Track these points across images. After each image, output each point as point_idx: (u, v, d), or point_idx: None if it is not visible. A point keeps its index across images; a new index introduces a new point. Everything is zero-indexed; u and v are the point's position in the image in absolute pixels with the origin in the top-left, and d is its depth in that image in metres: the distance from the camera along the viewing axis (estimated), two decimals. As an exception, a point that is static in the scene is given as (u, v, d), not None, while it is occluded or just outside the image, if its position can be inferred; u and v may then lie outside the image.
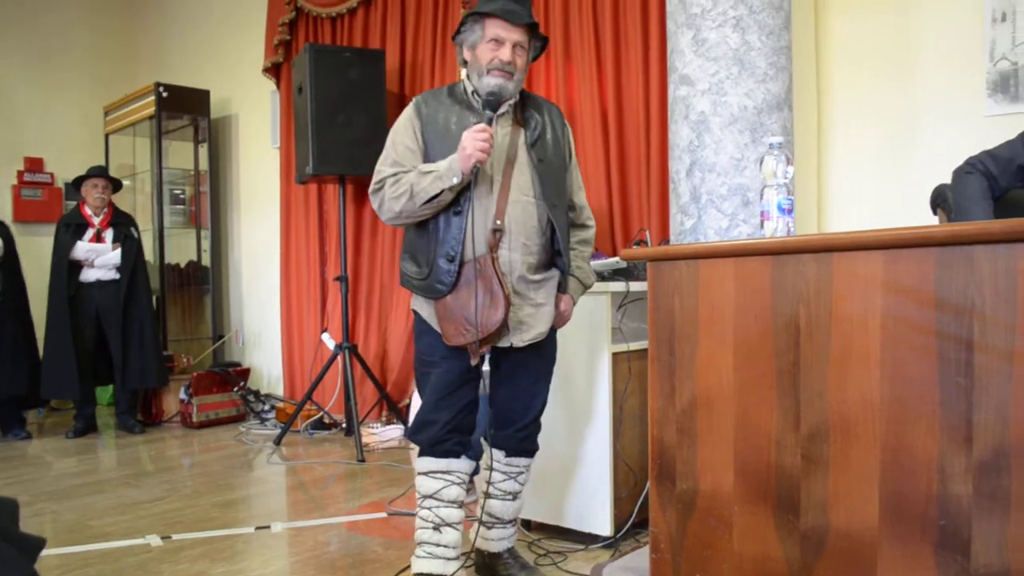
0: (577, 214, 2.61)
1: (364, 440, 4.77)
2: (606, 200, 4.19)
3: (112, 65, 7.66)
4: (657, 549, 2.02)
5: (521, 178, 2.37)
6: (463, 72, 2.51)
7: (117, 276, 5.48)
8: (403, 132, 2.41)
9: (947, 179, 2.58)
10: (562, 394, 2.94)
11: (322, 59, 4.90)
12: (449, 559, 2.42)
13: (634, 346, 2.97)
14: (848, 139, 3.59)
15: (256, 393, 6.00)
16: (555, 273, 2.47)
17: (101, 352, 5.56)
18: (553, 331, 2.52)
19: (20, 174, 7.02)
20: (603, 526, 2.91)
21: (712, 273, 1.91)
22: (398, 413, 5.17)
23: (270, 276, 6.43)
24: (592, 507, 2.94)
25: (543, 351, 2.51)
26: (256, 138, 6.66)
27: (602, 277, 2.98)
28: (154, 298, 6.05)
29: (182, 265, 6.78)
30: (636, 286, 2.95)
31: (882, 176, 3.48)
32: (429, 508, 2.41)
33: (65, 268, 5.38)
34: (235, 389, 5.88)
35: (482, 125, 2.23)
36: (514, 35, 2.34)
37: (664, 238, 3.73)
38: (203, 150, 6.79)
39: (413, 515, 2.51)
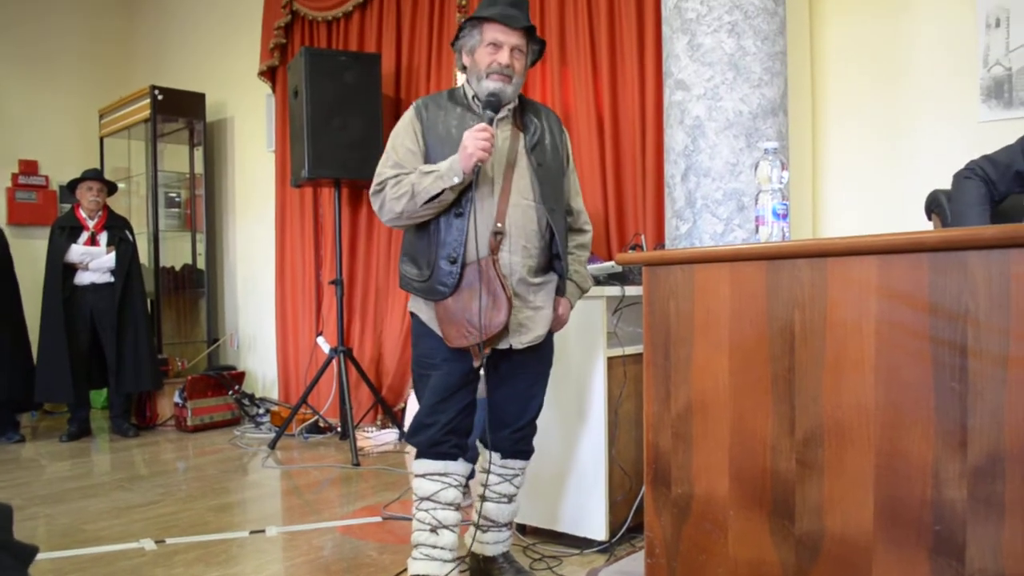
0: (574, 219, 2.63)
1: (359, 444, 4.76)
2: (602, 204, 4.20)
3: (107, 68, 7.66)
4: (652, 554, 2.02)
5: (521, 182, 2.39)
6: (461, 77, 2.53)
7: (112, 279, 5.48)
8: (404, 134, 2.42)
9: (941, 184, 2.59)
10: (558, 398, 2.94)
11: (318, 63, 4.90)
12: (445, 561, 2.42)
13: (629, 350, 2.97)
14: (843, 144, 3.60)
15: (251, 397, 5.99)
16: (553, 277, 2.48)
17: (95, 355, 5.54)
18: (550, 334, 2.53)
19: (15, 177, 7.01)
20: (598, 530, 2.91)
21: (707, 278, 1.91)
22: (393, 417, 5.16)
23: (265, 279, 6.42)
24: (587, 511, 2.94)
25: (541, 354, 2.53)
26: (251, 141, 6.66)
27: (598, 281, 2.98)
28: (149, 301, 6.03)
29: (177, 268, 6.77)
30: (631, 290, 2.96)
31: (877, 181, 3.49)
32: (426, 510, 2.41)
33: (60, 271, 5.36)
34: (230, 393, 5.87)
35: (483, 124, 2.25)
36: (512, 39, 2.36)
37: (659, 242, 3.74)
38: (198, 153, 6.79)
39: (408, 519, 2.51)
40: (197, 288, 6.82)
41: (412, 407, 4.72)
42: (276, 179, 6.21)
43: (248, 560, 2.96)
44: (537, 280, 2.43)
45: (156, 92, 6.35)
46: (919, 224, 2.82)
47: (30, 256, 6.36)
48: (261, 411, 5.87)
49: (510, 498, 2.62)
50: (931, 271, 1.55)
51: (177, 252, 6.86)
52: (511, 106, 2.44)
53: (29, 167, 7.10)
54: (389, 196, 2.34)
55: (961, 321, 1.51)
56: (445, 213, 2.34)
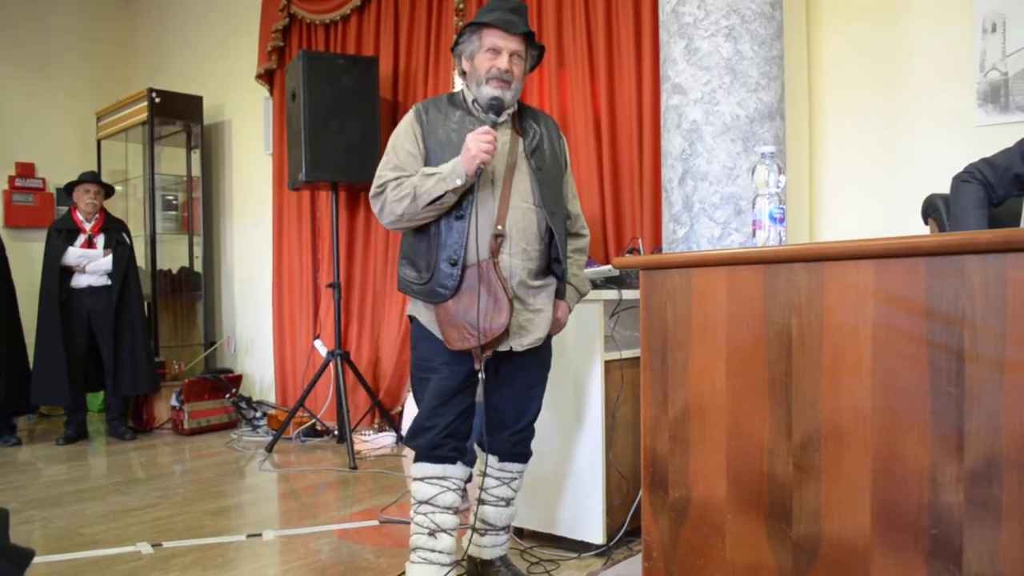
0: (572, 223, 2.64)
1: (356, 447, 4.76)
2: (599, 208, 4.20)
3: (105, 70, 7.65)
4: (650, 557, 2.02)
5: (521, 185, 2.40)
6: (459, 82, 2.55)
7: (109, 282, 5.47)
8: (404, 137, 2.43)
9: (938, 189, 2.60)
10: (555, 401, 2.94)
11: (315, 66, 4.90)
12: (443, 565, 2.42)
13: (627, 354, 2.98)
14: (840, 148, 3.61)
15: (248, 400, 5.99)
16: (552, 280, 2.49)
17: (92, 358, 5.53)
18: (549, 337, 2.54)
19: (11, 179, 7.00)
20: (596, 534, 2.91)
21: (704, 282, 1.91)
22: (390, 420, 5.16)
23: (262, 282, 6.41)
24: (585, 515, 2.94)
25: (540, 357, 2.54)
26: (249, 144, 6.66)
27: (595, 285, 2.99)
28: (146, 304, 6.02)
29: (174, 271, 6.76)
30: (629, 294, 2.96)
31: (873, 185, 3.49)
32: (424, 514, 2.41)
33: (56, 274, 5.35)
34: (227, 396, 5.86)
35: (486, 128, 2.27)
36: (511, 44, 2.38)
37: (657, 246, 3.74)
38: (196, 156, 6.78)
39: (406, 523, 2.51)
40: (194, 291, 6.81)
41: (409, 410, 4.73)
42: (273, 182, 6.22)
43: (245, 564, 2.96)
44: (537, 283, 2.44)
45: (153, 95, 6.34)
46: (916, 228, 2.82)
47: (27, 259, 6.35)
48: (258, 414, 5.87)
49: (508, 501, 2.63)
50: (928, 275, 1.56)
51: (174, 255, 6.85)
52: (510, 111, 2.46)
53: (26, 169, 7.09)
54: (390, 198, 2.34)
55: (958, 325, 1.52)
56: (446, 216, 2.34)
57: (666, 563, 1.98)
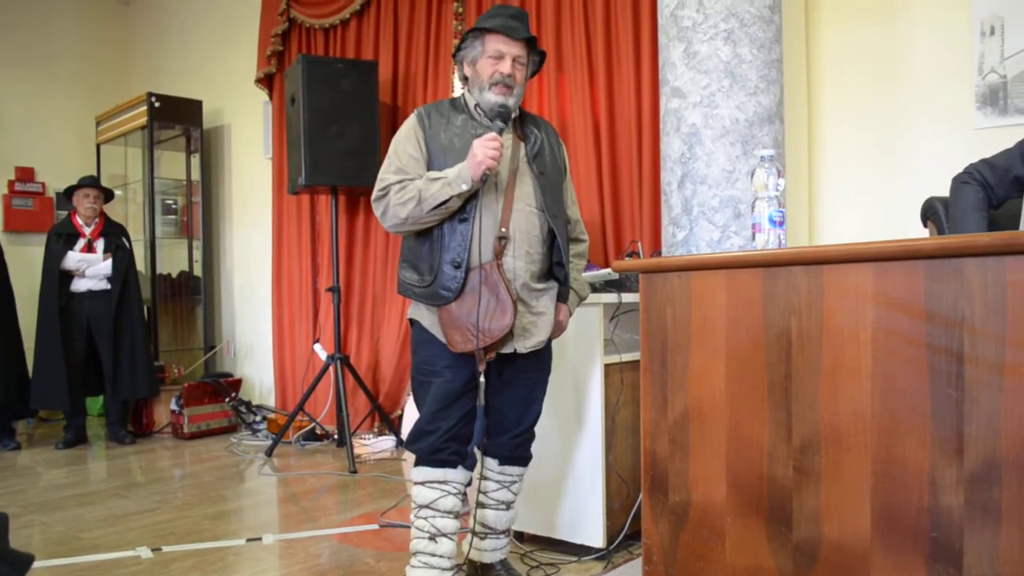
0: (571, 228, 2.65)
1: (356, 451, 4.75)
2: (598, 212, 4.21)
3: (104, 75, 7.66)
4: (650, 561, 2.02)
5: (524, 189, 2.42)
6: (460, 87, 2.57)
7: (108, 286, 5.47)
8: (406, 141, 2.44)
9: (937, 192, 2.60)
10: (555, 405, 2.94)
11: (315, 70, 4.91)
12: (444, 569, 2.41)
13: (626, 357, 2.98)
14: (839, 152, 3.61)
15: (248, 404, 5.98)
16: (554, 283, 2.51)
17: (92, 362, 5.53)
18: (549, 341, 2.54)
19: (11, 183, 7.01)
20: (596, 538, 2.91)
21: (704, 285, 1.92)
22: (390, 424, 5.16)
23: (262, 287, 6.41)
24: (585, 519, 2.94)
25: (541, 360, 2.55)
26: (248, 148, 6.66)
27: (594, 288, 2.99)
28: (145, 308, 6.02)
29: (174, 275, 6.76)
30: (628, 297, 2.96)
31: (873, 188, 3.50)
32: (425, 518, 2.41)
33: (56, 278, 5.35)
34: (226, 400, 5.85)
35: (492, 134, 2.28)
36: (514, 49, 2.41)
37: (656, 250, 3.74)
38: (195, 160, 6.78)
39: (405, 527, 2.50)
40: (194, 295, 6.81)
41: (409, 414, 4.73)
42: (273, 186, 6.22)
43: (245, 568, 2.95)
44: (540, 286, 2.45)
45: (153, 99, 6.35)
46: (915, 232, 2.83)
47: (27, 263, 6.35)
48: (258, 418, 5.86)
49: (508, 505, 2.62)
50: (927, 278, 1.56)
51: (174, 259, 6.86)
52: (512, 116, 2.48)
53: (25, 174, 7.09)
54: (393, 201, 2.35)
55: (957, 328, 1.52)
56: (449, 219, 2.35)
57: (666, 566, 1.98)
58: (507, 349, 2.39)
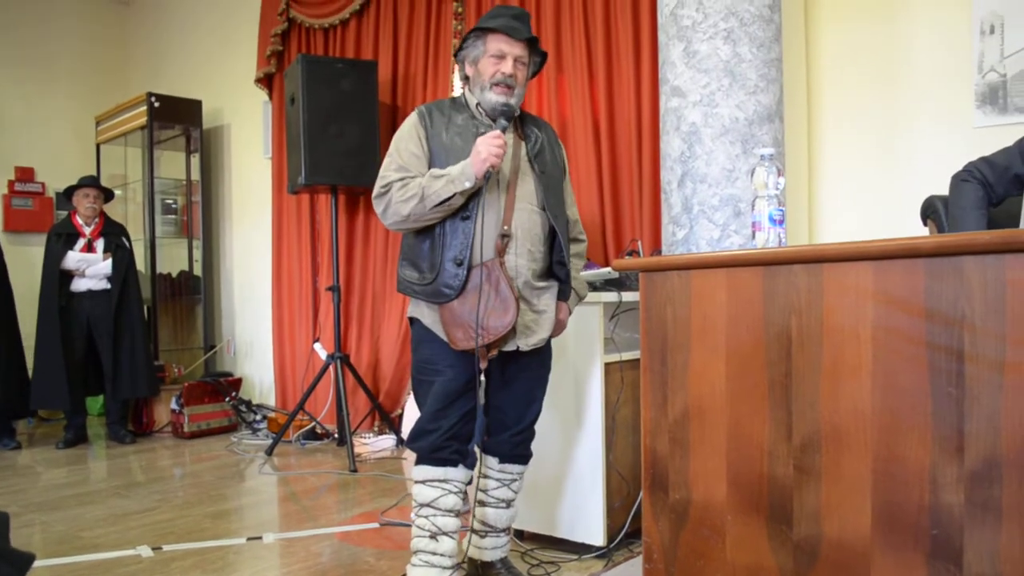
0: (570, 228, 2.66)
1: (356, 450, 4.76)
2: (598, 211, 4.21)
3: (104, 75, 7.66)
4: (650, 559, 2.02)
5: (526, 188, 2.43)
6: (460, 87, 2.58)
7: (108, 286, 5.47)
8: (408, 139, 2.44)
9: (937, 190, 2.60)
10: (555, 403, 2.94)
11: (314, 70, 4.91)
12: (445, 568, 2.42)
13: (626, 356, 2.98)
14: (839, 150, 3.61)
15: (248, 403, 5.98)
16: (555, 282, 2.52)
17: (92, 362, 5.53)
18: (549, 339, 2.55)
19: (11, 183, 7.00)
20: (596, 536, 2.91)
21: (704, 284, 1.92)
22: (390, 423, 5.16)
23: (262, 286, 6.41)
24: (585, 517, 2.94)
25: (542, 358, 2.57)
26: (248, 148, 6.66)
27: (594, 287, 2.99)
28: (145, 308, 6.02)
29: (174, 275, 6.76)
30: (628, 296, 2.97)
31: (872, 187, 3.50)
32: (426, 517, 2.41)
33: (56, 278, 5.35)
34: (227, 399, 5.85)
35: (496, 132, 2.29)
36: (516, 50, 2.43)
37: (656, 248, 3.74)
38: (195, 160, 6.78)
39: (406, 525, 2.51)
40: (194, 294, 6.81)
41: (410, 413, 4.73)
42: (273, 186, 6.22)
43: (245, 567, 2.96)
44: (541, 284, 2.46)
45: (152, 99, 6.34)
46: (914, 227, 2.83)
47: (26, 263, 6.35)
48: (258, 417, 5.86)
49: (508, 503, 2.63)
50: (927, 276, 1.56)
51: (174, 259, 6.86)
52: (515, 115, 2.49)
53: (25, 174, 7.09)
54: (395, 198, 2.35)
55: (957, 326, 1.52)
56: (451, 217, 2.36)
57: (667, 565, 1.98)
58: (509, 347, 2.39)
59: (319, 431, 5.36)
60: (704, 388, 1.91)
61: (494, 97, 2.41)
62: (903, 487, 1.58)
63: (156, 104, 6.35)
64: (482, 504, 2.62)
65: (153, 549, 3.16)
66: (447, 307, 2.34)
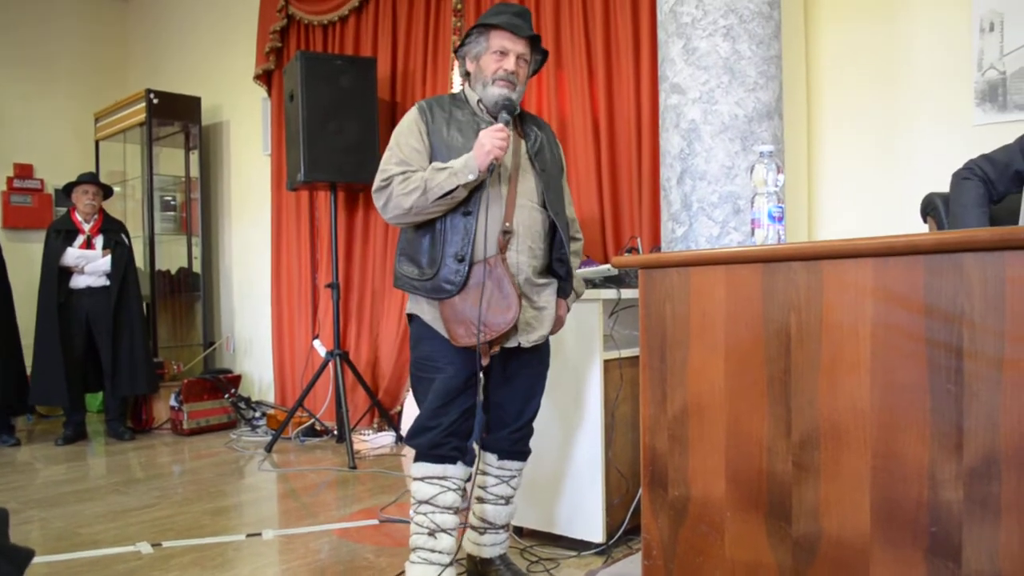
0: (568, 226, 2.65)
1: (355, 447, 4.76)
2: (598, 208, 4.21)
3: (103, 71, 7.65)
4: (649, 556, 2.02)
5: (526, 185, 2.43)
6: (460, 83, 2.58)
7: (107, 283, 5.47)
8: (408, 133, 2.43)
9: (936, 187, 2.60)
10: (554, 400, 2.94)
11: (313, 66, 4.91)
12: (444, 565, 2.42)
13: (625, 353, 2.98)
14: (838, 147, 3.61)
15: (247, 400, 5.99)
16: (554, 279, 2.52)
17: (91, 359, 5.53)
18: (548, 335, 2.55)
19: (10, 180, 7.00)
20: (595, 533, 2.92)
21: (703, 281, 1.91)
22: (389, 420, 5.16)
23: (261, 283, 6.41)
24: (584, 514, 2.94)
25: (541, 355, 2.57)
26: (247, 145, 6.66)
27: (593, 284, 2.99)
28: (145, 305, 6.02)
29: (173, 272, 6.76)
30: (627, 293, 2.97)
31: (872, 184, 3.50)
32: (424, 514, 2.41)
33: (55, 274, 5.35)
34: (226, 396, 5.86)
35: (499, 125, 2.30)
36: (518, 47, 2.43)
37: (655, 245, 3.74)
38: (194, 157, 6.78)
39: (405, 522, 2.50)
40: (193, 291, 6.81)
41: (409, 410, 4.73)
42: (272, 182, 6.22)
43: (244, 563, 2.96)
44: (541, 280, 2.46)
45: (151, 96, 6.34)
46: (914, 227, 2.82)
47: (26, 260, 6.35)
48: (257, 414, 5.87)
49: (507, 500, 2.63)
50: (927, 273, 1.56)
51: (173, 255, 6.85)
52: (516, 111, 2.49)
53: (24, 171, 7.09)
54: (396, 192, 2.34)
55: (957, 323, 1.52)
56: (451, 212, 2.35)
57: (666, 561, 1.98)
58: (512, 343, 2.39)
59: (318, 428, 5.37)
60: (703, 385, 1.91)
61: (497, 91, 2.40)
62: (902, 484, 1.58)
63: (155, 101, 6.35)
64: (481, 501, 2.62)
65: (152, 545, 3.16)
66: (448, 303, 2.34)
